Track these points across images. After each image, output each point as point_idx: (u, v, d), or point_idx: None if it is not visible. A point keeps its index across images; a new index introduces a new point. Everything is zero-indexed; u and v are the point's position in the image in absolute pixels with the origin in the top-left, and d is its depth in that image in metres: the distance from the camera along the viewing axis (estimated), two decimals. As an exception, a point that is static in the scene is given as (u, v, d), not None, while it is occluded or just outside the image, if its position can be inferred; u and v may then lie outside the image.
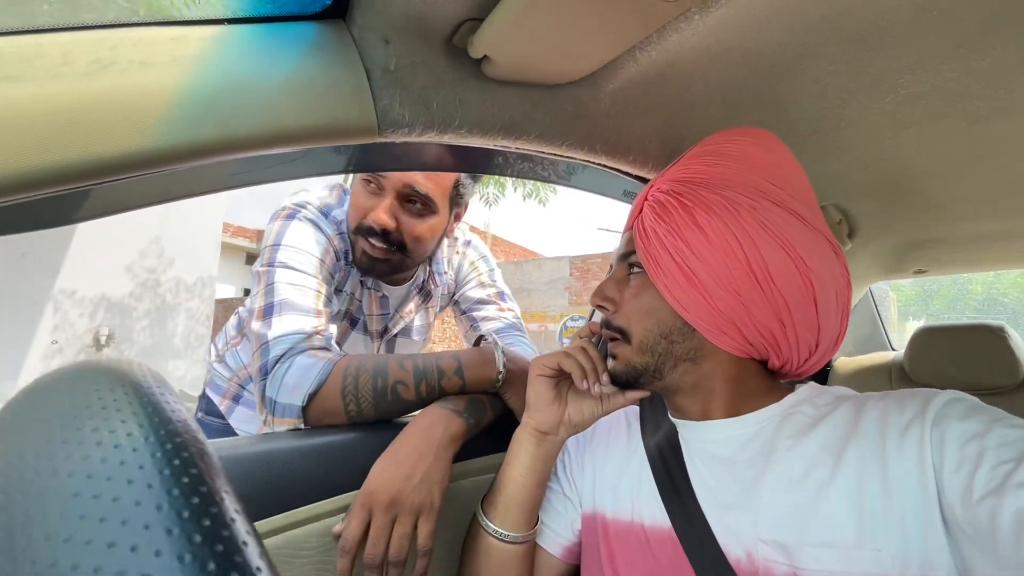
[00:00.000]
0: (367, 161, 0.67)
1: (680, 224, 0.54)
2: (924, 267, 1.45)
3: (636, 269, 0.60)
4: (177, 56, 0.40)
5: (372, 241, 0.90)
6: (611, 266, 0.65)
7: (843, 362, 1.55)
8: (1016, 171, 0.92)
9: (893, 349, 1.70)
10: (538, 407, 0.62)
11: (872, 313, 1.69)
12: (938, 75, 0.67)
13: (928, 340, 1.33)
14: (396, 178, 0.87)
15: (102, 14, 0.39)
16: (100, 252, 5.80)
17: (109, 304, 5.85)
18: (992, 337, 1.25)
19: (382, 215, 0.88)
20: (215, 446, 0.61)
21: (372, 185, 0.89)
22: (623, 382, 0.60)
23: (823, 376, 1.54)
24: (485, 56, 0.51)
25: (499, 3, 0.44)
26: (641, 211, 0.59)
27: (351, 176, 0.93)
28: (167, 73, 0.40)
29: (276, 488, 0.59)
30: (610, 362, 0.61)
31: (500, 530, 0.61)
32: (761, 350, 0.55)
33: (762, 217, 0.52)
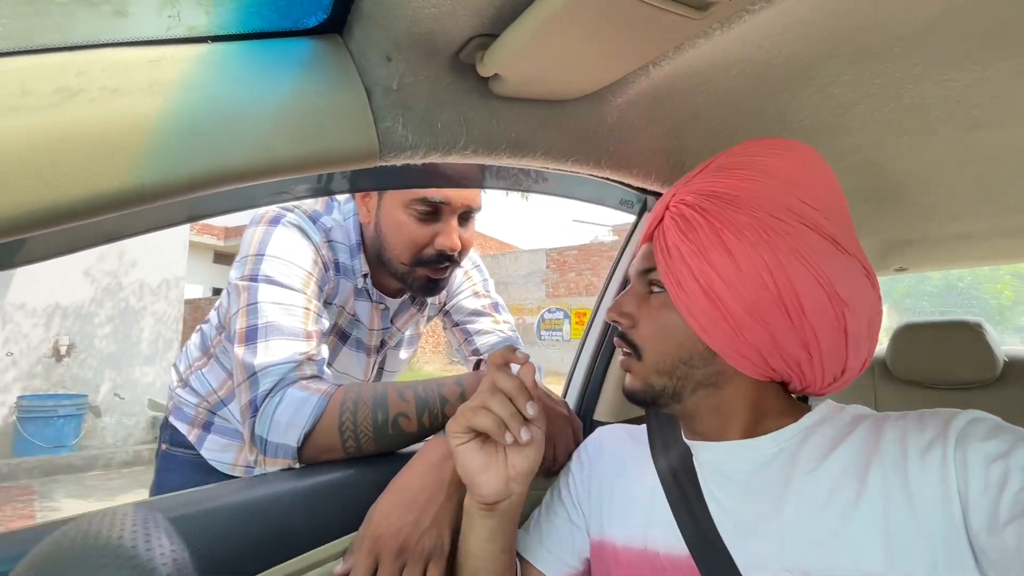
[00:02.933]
0: (363, 181, 0.62)
1: (706, 244, 0.51)
2: (905, 265, 1.48)
3: (657, 288, 0.56)
4: (155, 81, 0.36)
5: (438, 266, 0.86)
6: (626, 279, 0.61)
7: None
8: (1001, 175, 0.94)
9: None
10: (473, 479, 0.55)
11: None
12: (941, 85, 0.66)
13: (909, 337, 1.36)
14: (456, 202, 0.84)
15: (67, 34, 0.34)
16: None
17: (66, 312, 5.55)
18: (971, 333, 1.29)
19: (455, 240, 0.85)
20: (207, 494, 0.56)
21: (428, 213, 0.84)
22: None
23: None
24: (495, 73, 0.48)
25: (515, 19, 0.41)
26: (661, 222, 0.55)
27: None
28: (145, 101, 0.35)
29: (274, 537, 0.55)
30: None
31: None
32: (784, 375, 0.54)
33: (795, 244, 0.49)
